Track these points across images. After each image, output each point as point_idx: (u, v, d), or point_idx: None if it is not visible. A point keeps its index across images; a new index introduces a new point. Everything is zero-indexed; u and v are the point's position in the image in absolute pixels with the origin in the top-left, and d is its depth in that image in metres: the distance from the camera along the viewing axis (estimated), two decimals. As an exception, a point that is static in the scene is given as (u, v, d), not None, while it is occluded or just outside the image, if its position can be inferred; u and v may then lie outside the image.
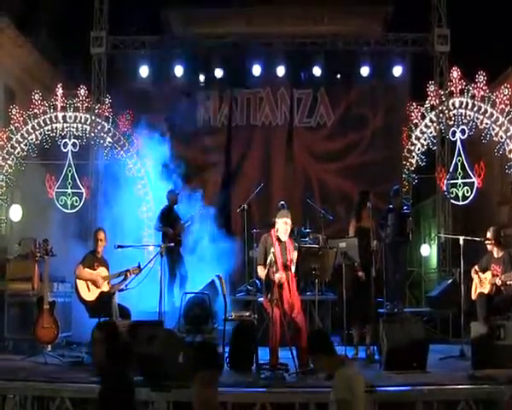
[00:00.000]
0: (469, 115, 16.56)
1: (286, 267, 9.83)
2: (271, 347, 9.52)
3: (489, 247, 11.71)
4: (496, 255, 11.66)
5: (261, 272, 10.01)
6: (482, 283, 11.58)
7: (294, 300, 9.83)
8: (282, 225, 9.96)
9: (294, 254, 9.95)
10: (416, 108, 17.15)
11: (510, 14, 20.19)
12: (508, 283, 11.29)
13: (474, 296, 11.69)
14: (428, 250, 23.41)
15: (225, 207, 17.02)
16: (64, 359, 10.70)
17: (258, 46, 18.11)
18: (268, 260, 9.48)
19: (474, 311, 11.56)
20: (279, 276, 9.67)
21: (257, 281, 13.49)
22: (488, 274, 11.50)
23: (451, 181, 16.43)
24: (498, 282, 11.30)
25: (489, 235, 11.72)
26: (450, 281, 14.77)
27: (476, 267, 11.75)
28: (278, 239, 9.96)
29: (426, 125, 17.12)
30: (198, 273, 13.87)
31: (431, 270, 21.02)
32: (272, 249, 9.58)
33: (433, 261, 21.59)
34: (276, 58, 17.79)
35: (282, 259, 9.80)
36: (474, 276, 11.73)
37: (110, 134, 17.37)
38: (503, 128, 16.23)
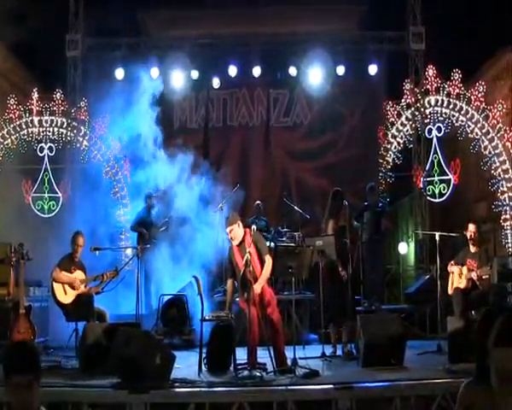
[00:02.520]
0: (445, 113, 16.64)
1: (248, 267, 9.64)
2: (249, 346, 9.49)
3: (470, 241, 11.79)
4: (472, 250, 11.74)
5: (229, 284, 10.02)
6: (460, 278, 11.65)
7: (267, 297, 9.79)
8: (227, 236, 9.93)
9: (260, 244, 9.81)
10: (392, 106, 17.21)
11: (484, 12, 20.31)
12: (483, 277, 11.37)
13: (450, 291, 11.77)
14: (406, 248, 23.44)
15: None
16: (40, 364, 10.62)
17: (234, 46, 18.14)
18: (244, 260, 9.43)
19: (450, 307, 11.63)
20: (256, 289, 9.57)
21: (235, 281, 13.47)
22: (464, 269, 11.58)
23: (428, 178, 16.52)
24: (474, 276, 11.38)
25: (473, 229, 11.80)
26: (427, 277, 14.89)
27: (452, 262, 11.82)
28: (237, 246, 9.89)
29: (402, 124, 17.19)
30: (176, 275, 13.84)
31: (409, 267, 21.10)
32: (248, 249, 9.53)
33: (412, 259, 21.66)
34: (252, 58, 17.84)
35: (243, 260, 9.61)
36: (454, 268, 11.78)
37: (86, 137, 17.28)
38: (479, 125, 16.32)
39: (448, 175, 16.27)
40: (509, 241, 15.92)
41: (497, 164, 16.20)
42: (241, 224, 9.93)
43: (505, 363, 3.86)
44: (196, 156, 16.38)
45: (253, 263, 9.57)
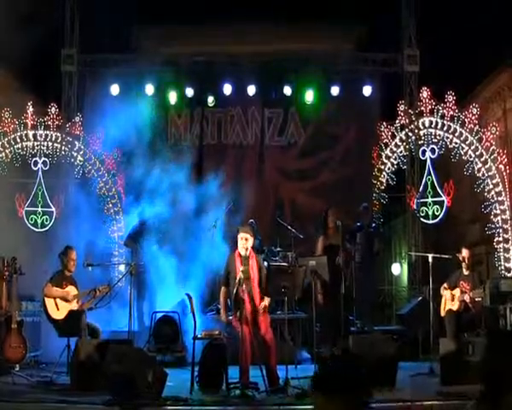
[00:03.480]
0: (439, 135, 16.67)
1: (249, 284, 9.70)
2: (241, 365, 9.48)
3: (463, 265, 11.81)
4: (465, 273, 11.77)
5: (222, 293, 10.03)
6: (453, 298, 11.67)
7: (262, 317, 9.79)
8: (240, 241, 9.87)
9: (263, 272, 9.90)
10: (387, 127, 17.22)
11: (478, 35, 20.40)
12: (476, 299, 11.39)
13: (442, 313, 11.78)
14: (399, 269, 23.53)
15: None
16: (32, 379, 10.57)
17: (229, 65, 18.19)
18: (237, 279, 9.44)
19: (443, 328, 11.64)
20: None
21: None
22: (457, 291, 11.59)
23: (421, 200, 16.53)
24: (467, 298, 11.39)
25: (466, 254, 11.83)
26: (419, 299, 14.87)
27: (445, 285, 11.84)
28: (240, 255, 9.89)
29: (396, 145, 17.20)
30: (169, 292, 13.82)
31: (402, 288, 21.11)
32: (241, 267, 9.54)
33: (405, 279, 21.70)
34: (247, 77, 17.87)
35: (244, 275, 9.66)
36: (445, 292, 11.81)
37: (81, 152, 17.26)
38: (472, 147, 16.36)
39: (441, 197, 16.29)
40: (502, 263, 15.92)
41: (491, 186, 16.23)
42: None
43: None
44: (190, 174, 16.42)
45: (253, 288, 9.63)
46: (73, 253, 11.58)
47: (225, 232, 14.94)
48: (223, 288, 10.07)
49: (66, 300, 11.17)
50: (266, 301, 9.71)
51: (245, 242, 9.82)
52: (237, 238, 10.01)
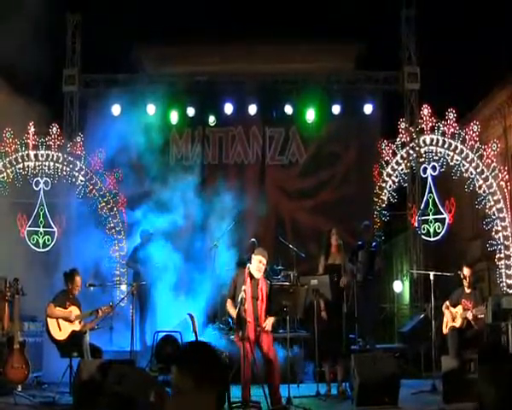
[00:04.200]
0: (440, 152, 16.66)
1: (255, 303, 9.77)
2: (243, 384, 9.48)
3: (465, 283, 11.81)
4: (467, 291, 11.76)
5: (229, 305, 10.02)
6: (454, 317, 11.65)
7: (265, 336, 9.80)
8: (256, 263, 9.89)
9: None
10: (388, 145, 17.21)
11: (478, 52, 20.51)
12: (479, 316, 11.38)
13: (445, 331, 11.76)
14: (401, 286, 23.50)
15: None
16: (35, 399, 10.57)
17: (230, 84, 18.26)
18: (239, 298, 9.46)
19: (445, 346, 11.62)
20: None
21: (229, 319, 13.46)
22: (459, 308, 11.58)
23: (423, 217, 16.51)
24: (469, 316, 11.38)
25: (468, 273, 11.83)
26: (421, 316, 14.89)
27: (447, 303, 11.83)
28: (251, 275, 9.91)
29: (397, 162, 17.17)
30: (171, 311, 13.82)
31: (404, 306, 21.08)
32: (244, 287, 9.56)
33: (407, 297, 21.67)
34: (248, 96, 17.94)
35: (252, 294, 9.73)
36: (446, 311, 11.81)
37: (82, 172, 17.27)
38: (473, 164, 16.35)
39: (443, 214, 16.28)
40: (504, 280, 15.90)
41: (492, 203, 16.22)
42: None
43: None
44: (192, 193, 16.45)
45: (260, 309, 9.73)
46: (79, 279, 11.60)
47: (227, 251, 14.98)
48: (229, 300, 10.07)
49: (68, 320, 11.17)
50: (270, 320, 9.74)
51: (261, 266, 9.87)
52: (252, 258, 10.05)
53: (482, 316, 11.52)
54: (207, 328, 14.29)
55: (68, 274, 11.65)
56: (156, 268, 14.37)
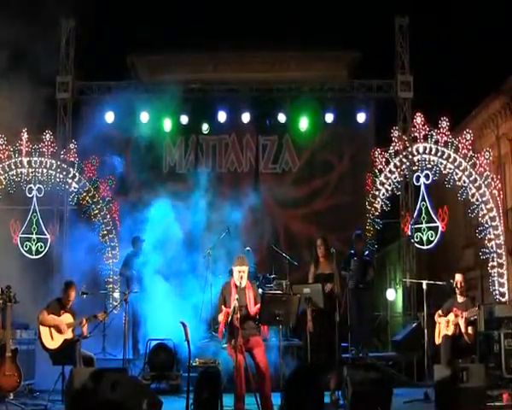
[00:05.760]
0: (433, 160, 16.69)
1: (246, 311, 9.75)
2: (236, 393, 9.46)
3: (457, 290, 11.83)
4: (459, 300, 11.78)
5: (220, 318, 10.00)
6: (448, 324, 11.67)
7: (255, 343, 9.79)
8: (236, 273, 9.93)
9: (258, 301, 9.92)
10: (381, 153, 17.23)
11: (471, 61, 20.58)
12: (471, 319, 11.41)
13: (437, 341, 11.78)
14: (394, 295, 23.51)
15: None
16: (26, 407, 10.55)
17: (224, 92, 18.27)
18: (232, 307, 9.46)
19: (438, 354, 11.63)
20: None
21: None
22: (451, 315, 11.60)
23: (416, 226, 16.53)
24: (461, 322, 11.40)
25: (459, 279, 11.85)
26: (414, 325, 14.89)
27: (439, 312, 11.85)
28: (236, 286, 9.92)
29: (390, 171, 17.19)
30: (163, 319, 13.78)
31: (397, 314, 21.09)
32: (236, 296, 9.56)
33: (399, 305, 21.67)
34: (242, 104, 17.95)
35: (240, 303, 9.71)
36: (440, 319, 11.82)
37: (75, 179, 17.26)
38: (466, 173, 16.39)
39: (436, 222, 16.31)
40: (496, 288, 15.93)
41: (485, 211, 16.26)
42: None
43: None
44: (185, 200, 16.45)
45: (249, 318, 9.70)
46: (73, 294, 11.58)
47: (220, 259, 14.97)
48: (220, 314, 10.06)
49: (59, 330, 11.15)
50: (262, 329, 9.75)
51: (242, 274, 9.89)
52: (233, 271, 10.06)
53: (474, 318, 11.57)
54: (200, 336, 14.26)
55: (64, 285, 11.65)
56: (148, 274, 14.33)
